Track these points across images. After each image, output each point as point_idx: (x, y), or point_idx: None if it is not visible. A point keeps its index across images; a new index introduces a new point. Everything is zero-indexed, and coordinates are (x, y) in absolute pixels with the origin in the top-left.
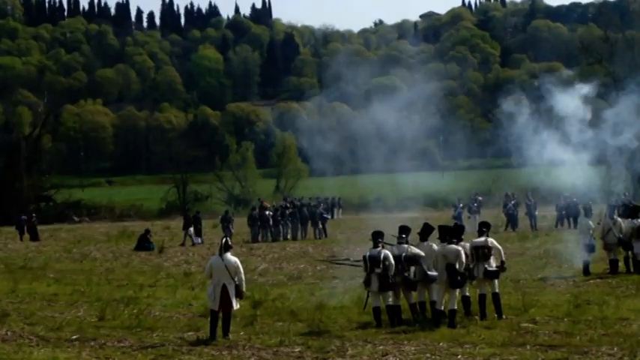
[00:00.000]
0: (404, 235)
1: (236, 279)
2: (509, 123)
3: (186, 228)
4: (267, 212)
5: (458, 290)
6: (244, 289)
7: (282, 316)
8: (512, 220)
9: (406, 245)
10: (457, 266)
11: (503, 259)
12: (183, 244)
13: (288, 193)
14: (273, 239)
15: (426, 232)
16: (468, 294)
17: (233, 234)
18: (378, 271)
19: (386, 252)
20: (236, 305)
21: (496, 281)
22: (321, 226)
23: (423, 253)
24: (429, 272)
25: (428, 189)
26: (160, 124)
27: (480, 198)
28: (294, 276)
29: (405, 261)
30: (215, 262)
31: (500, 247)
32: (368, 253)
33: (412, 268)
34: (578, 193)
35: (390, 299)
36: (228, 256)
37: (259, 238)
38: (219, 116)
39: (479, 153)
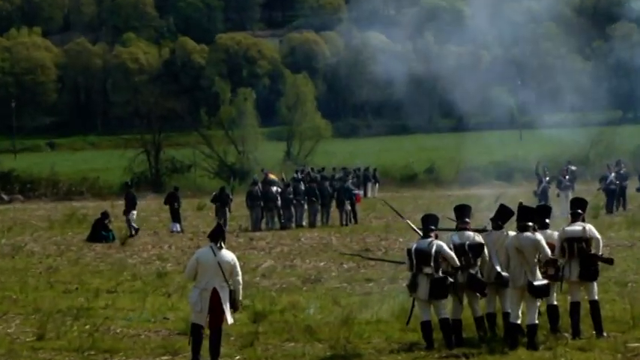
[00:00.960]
0: (467, 219)
1: (230, 282)
2: (622, 59)
3: (128, 212)
4: (273, 188)
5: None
6: (241, 297)
7: (295, 334)
8: (611, 199)
9: (472, 233)
10: (536, 262)
11: (601, 252)
12: (131, 235)
13: (303, 162)
14: (282, 226)
15: (502, 216)
16: (555, 302)
17: (228, 219)
18: (427, 270)
19: (439, 244)
20: (230, 319)
21: (595, 285)
22: (349, 207)
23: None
24: (504, 272)
25: (500, 155)
26: (123, 62)
27: (574, 168)
28: (312, 278)
29: (470, 251)
30: (204, 258)
31: (599, 236)
32: (414, 246)
33: (479, 263)
34: None
35: (444, 310)
36: (224, 250)
37: (263, 224)
38: (206, 52)
39: (572, 104)
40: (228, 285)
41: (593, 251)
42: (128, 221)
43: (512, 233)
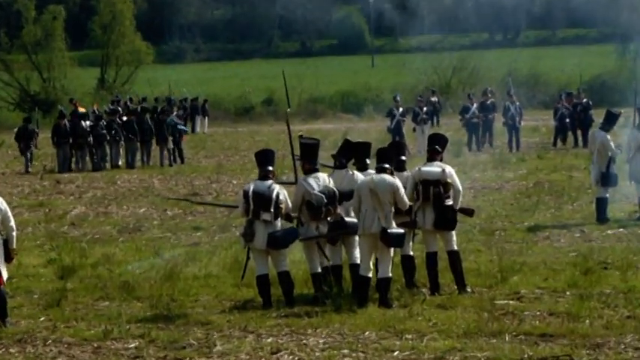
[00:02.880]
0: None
1: (3, 232)
2: None
3: None
4: (84, 122)
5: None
6: (15, 246)
7: (109, 292)
8: (474, 134)
9: (352, 173)
10: (392, 209)
11: (459, 203)
12: None
13: (118, 92)
14: (94, 167)
15: (345, 153)
16: (411, 253)
17: (34, 157)
18: (266, 217)
19: (280, 187)
20: (5, 274)
21: (453, 234)
22: (172, 145)
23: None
24: (349, 218)
25: (349, 84)
26: None
27: (435, 99)
28: (130, 227)
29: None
30: None
31: (460, 186)
32: (251, 188)
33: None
34: (594, 89)
35: (285, 262)
36: None
37: (72, 164)
38: None
39: (432, 25)
40: (1, 236)
41: (449, 202)
42: None
43: (356, 173)
